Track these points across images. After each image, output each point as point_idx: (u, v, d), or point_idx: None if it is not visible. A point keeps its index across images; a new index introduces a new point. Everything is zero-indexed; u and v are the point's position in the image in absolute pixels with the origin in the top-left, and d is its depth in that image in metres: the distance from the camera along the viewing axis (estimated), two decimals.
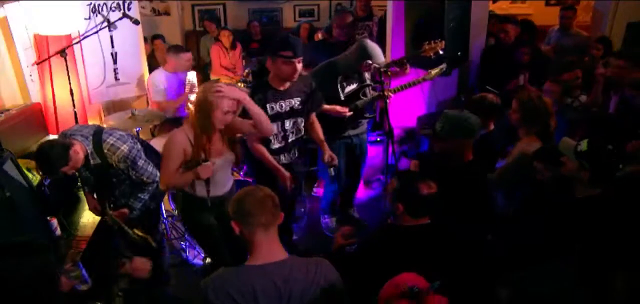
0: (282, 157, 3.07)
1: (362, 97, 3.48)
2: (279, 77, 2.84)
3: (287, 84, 2.89)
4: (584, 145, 2.08)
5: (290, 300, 1.73)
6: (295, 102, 2.97)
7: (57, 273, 1.92)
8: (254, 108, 2.53)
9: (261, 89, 2.88)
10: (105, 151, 2.65)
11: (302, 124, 3.10)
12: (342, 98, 3.39)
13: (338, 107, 3.32)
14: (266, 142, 2.96)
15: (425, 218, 2.09)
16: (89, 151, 2.64)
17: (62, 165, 2.49)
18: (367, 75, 3.52)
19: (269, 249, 1.79)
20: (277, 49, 2.75)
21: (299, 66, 2.78)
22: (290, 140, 3.05)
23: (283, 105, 2.93)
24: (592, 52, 4.35)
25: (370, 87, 3.54)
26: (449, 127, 2.51)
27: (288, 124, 2.99)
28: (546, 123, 2.68)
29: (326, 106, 3.29)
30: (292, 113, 2.98)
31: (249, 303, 1.71)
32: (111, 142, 2.66)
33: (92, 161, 2.67)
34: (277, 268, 1.76)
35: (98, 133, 2.70)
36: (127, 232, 2.75)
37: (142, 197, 2.80)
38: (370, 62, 3.26)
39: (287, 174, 2.94)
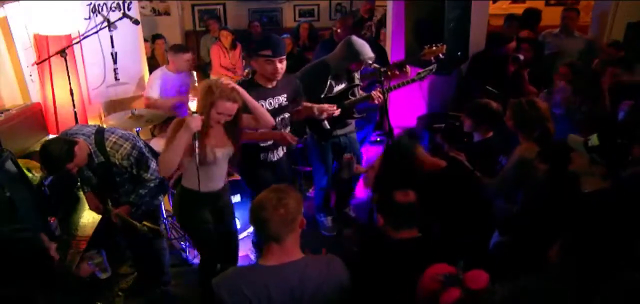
0: (270, 154, 3.11)
1: (350, 97, 3.49)
2: (263, 75, 2.90)
3: (274, 82, 2.95)
4: (594, 139, 2.08)
5: (304, 298, 1.73)
6: (282, 99, 3.03)
7: (49, 252, 1.91)
8: (253, 102, 2.60)
9: (249, 88, 2.90)
10: (108, 148, 2.66)
11: (289, 120, 3.15)
12: (322, 96, 3.40)
13: (327, 106, 3.34)
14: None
15: (412, 231, 2.04)
16: (92, 150, 2.65)
17: (67, 162, 2.49)
18: (356, 75, 3.53)
19: (284, 252, 1.77)
20: (258, 48, 2.82)
21: (280, 65, 2.83)
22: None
23: (272, 102, 2.98)
24: (603, 57, 4.19)
25: (358, 87, 3.54)
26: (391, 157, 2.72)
27: (278, 120, 3.04)
28: (544, 128, 2.67)
29: (315, 105, 3.31)
30: (280, 110, 3.03)
31: (261, 301, 1.71)
32: (114, 140, 2.68)
33: (95, 160, 2.68)
34: (292, 268, 1.75)
35: (100, 132, 2.72)
36: (135, 226, 2.72)
37: (143, 193, 2.81)
38: (370, 62, 3.27)
39: (285, 133, 2.98)
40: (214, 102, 2.35)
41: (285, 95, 3.03)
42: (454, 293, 1.47)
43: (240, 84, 2.97)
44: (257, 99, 2.86)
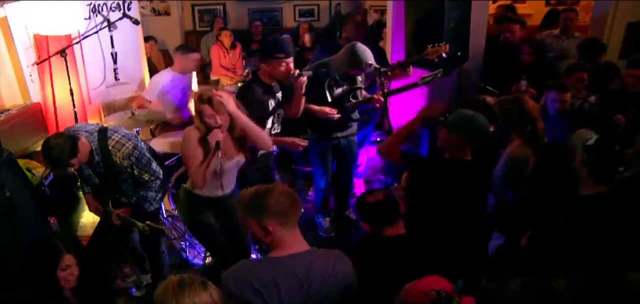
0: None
1: (352, 100, 3.48)
2: (272, 76, 2.99)
3: (274, 81, 3.05)
4: (593, 140, 2.09)
5: (311, 291, 1.74)
6: (279, 95, 3.13)
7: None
8: (249, 124, 2.55)
9: (257, 85, 3.00)
10: (110, 147, 2.66)
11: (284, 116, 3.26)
12: (329, 99, 3.41)
13: (327, 109, 3.35)
14: None
15: (397, 228, 2.12)
16: (93, 147, 2.64)
17: (71, 157, 2.48)
18: (359, 78, 3.52)
19: (294, 242, 1.80)
20: (270, 52, 2.91)
21: (291, 64, 2.93)
22: (274, 132, 3.21)
23: (274, 99, 3.08)
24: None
25: (361, 90, 3.53)
26: (458, 120, 2.43)
27: (275, 117, 3.16)
28: (532, 127, 2.66)
29: (315, 107, 3.33)
30: (279, 105, 3.15)
31: (270, 292, 1.71)
32: (116, 139, 2.68)
33: (96, 158, 2.67)
34: (299, 259, 1.77)
35: (103, 130, 2.72)
36: (137, 226, 2.72)
37: (145, 195, 2.80)
38: (371, 63, 3.26)
39: (295, 139, 3.14)
40: (201, 109, 2.46)
41: (279, 91, 3.12)
42: None
43: (250, 85, 3.03)
44: (267, 97, 3.00)
